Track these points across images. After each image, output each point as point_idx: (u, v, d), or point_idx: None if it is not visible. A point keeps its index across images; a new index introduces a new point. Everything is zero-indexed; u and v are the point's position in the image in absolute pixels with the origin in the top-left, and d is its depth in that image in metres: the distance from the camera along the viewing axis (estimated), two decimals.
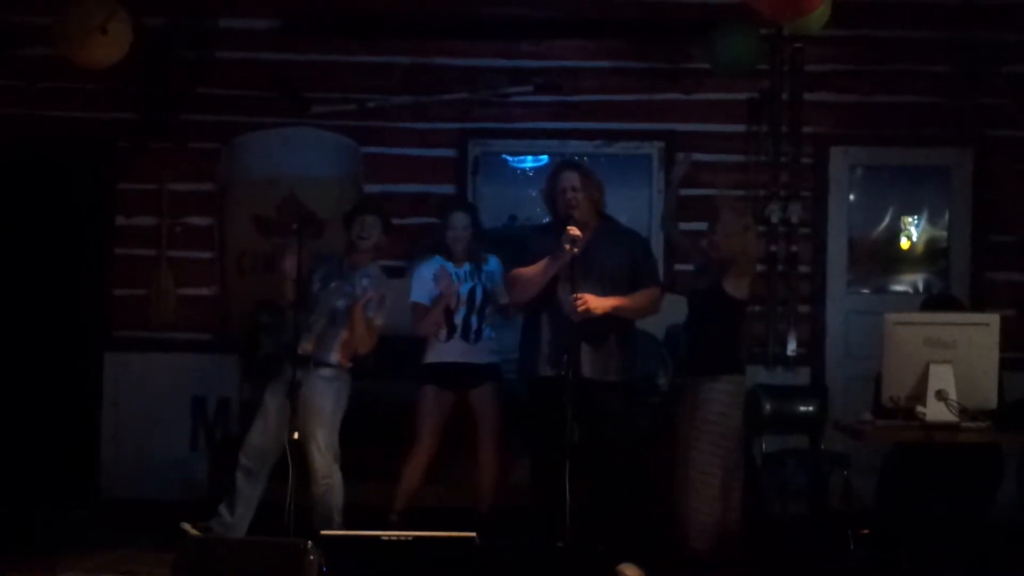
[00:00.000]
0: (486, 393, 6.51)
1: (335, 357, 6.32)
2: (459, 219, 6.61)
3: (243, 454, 6.31)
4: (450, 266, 6.55)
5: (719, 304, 5.93)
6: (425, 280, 6.57)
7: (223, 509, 6.30)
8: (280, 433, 6.08)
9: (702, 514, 5.78)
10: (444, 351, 6.54)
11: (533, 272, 6.08)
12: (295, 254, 6.15)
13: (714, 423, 5.82)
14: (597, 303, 5.94)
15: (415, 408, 6.52)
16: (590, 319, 5.91)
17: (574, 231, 5.88)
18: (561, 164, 6.39)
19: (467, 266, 6.57)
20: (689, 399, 5.92)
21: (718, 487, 5.78)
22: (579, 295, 5.87)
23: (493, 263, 6.60)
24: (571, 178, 6.13)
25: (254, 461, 6.28)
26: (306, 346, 6.23)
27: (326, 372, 6.31)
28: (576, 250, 5.85)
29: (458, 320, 6.50)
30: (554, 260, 5.97)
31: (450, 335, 6.51)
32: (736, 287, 5.92)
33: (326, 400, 6.28)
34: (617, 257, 6.14)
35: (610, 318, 6.02)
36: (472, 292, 6.53)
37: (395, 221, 7.81)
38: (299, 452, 6.01)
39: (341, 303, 6.33)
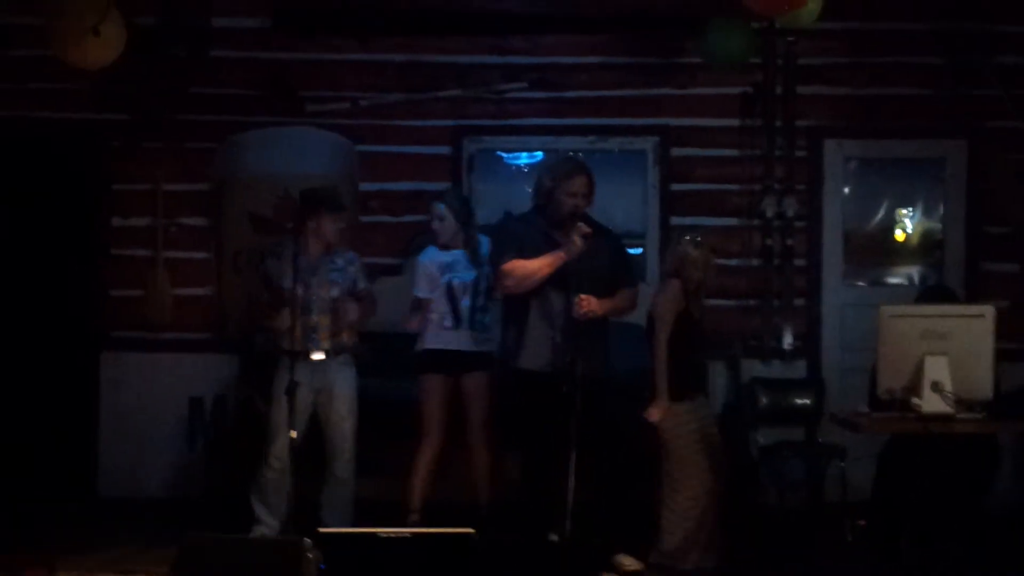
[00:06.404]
0: (479, 380, 6.51)
1: (346, 339, 6.41)
2: (435, 209, 6.59)
3: (273, 456, 6.29)
4: (440, 254, 6.55)
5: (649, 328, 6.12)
6: (423, 270, 6.57)
7: (265, 516, 6.31)
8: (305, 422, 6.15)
9: (670, 522, 6.02)
10: (446, 338, 6.51)
11: (538, 265, 6.07)
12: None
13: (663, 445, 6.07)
14: (596, 305, 6.00)
15: (420, 399, 6.51)
16: (587, 320, 5.96)
17: (585, 228, 5.96)
18: (576, 165, 6.33)
19: (459, 252, 6.55)
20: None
21: (683, 501, 5.98)
22: (583, 296, 5.93)
23: (485, 245, 6.54)
24: (583, 184, 6.14)
25: (283, 459, 6.19)
26: (323, 344, 6.28)
27: (343, 358, 6.41)
28: (585, 247, 5.93)
29: (465, 305, 6.50)
30: (564, 255, 6.00)
31: (457, 324, 6.50)
32: (657, 303, 6.05)
33: (351, 385, 6.42)
34: (598, 258, 6.15)
35: (595, 318, 6.07)
36: (476, 281, 6.53)
37: (391, 219, 7.94)
38: (294, 449, 6.00)
39: (335, 292, 6.37)
